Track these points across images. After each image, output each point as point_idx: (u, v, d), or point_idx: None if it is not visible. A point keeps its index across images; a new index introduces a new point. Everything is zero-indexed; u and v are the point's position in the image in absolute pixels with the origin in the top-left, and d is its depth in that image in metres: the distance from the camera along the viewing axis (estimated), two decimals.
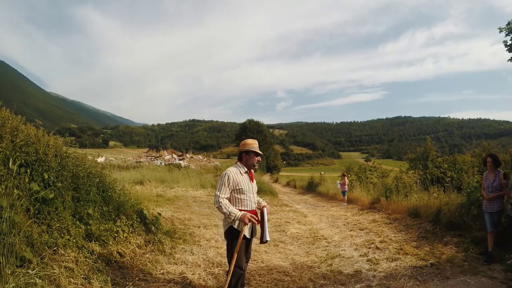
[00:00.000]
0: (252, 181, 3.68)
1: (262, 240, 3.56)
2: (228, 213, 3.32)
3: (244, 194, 3.52)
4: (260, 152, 3.65)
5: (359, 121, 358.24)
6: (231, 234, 3.49)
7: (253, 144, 3.65)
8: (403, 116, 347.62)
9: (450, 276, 4.68)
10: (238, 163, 3.68)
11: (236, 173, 3.54)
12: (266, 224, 3.59)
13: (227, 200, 3.41)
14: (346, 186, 15.17)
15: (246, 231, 3.50)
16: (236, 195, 3.51)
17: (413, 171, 14.28)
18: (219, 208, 3.36)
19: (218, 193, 3.39)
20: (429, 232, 7.02)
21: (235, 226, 3.43)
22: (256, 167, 3.66)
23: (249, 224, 3.46)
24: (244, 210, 3.48)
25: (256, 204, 3.71)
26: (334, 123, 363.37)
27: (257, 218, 3.56)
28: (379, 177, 17.44)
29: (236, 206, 3.47)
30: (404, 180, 11.89)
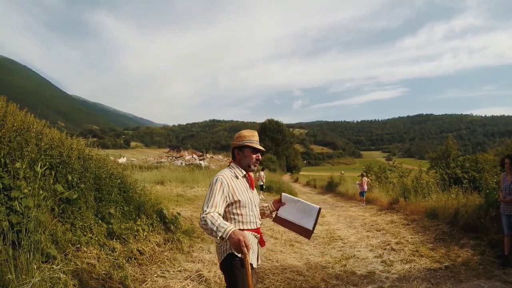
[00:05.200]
0: (253, 189, 2.63)
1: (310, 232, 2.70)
2: (215, 229, 2.10)
3: (245, 207, 2.45)
4: (259, 147, 2.58)
5: (380, 120, 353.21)
6: (231, 265, 2.35)
7: (249, 136, 2.59)
8: (424, 113, 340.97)
9: (463, 280, 4.64)
10: (232, 163, 2.64)
11: (231, 178, 2.47)
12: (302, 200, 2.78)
13: (217, 214, 2.21)
14: (365, 186, 15.07)
15: (253, 257, 2.47)
16: (233, 210, 2.43)
17: (434, 171, 14.03)
18: (204, 225, 2.16)
19: (205, 208, 2.24)
20: (446, 234, 6.95)
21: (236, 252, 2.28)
22: (254, 168, 2.61)
23: (252, 246, 2.45)
24: (247, 230, 2.45)
25: (260, 220, 2.65)
26: (355, 121, 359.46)
27: (260, 236, 2.59)
28: (398, 177, 17.20)
29: (234, 225, 2.28)
30: (423, 180, 11.72)
